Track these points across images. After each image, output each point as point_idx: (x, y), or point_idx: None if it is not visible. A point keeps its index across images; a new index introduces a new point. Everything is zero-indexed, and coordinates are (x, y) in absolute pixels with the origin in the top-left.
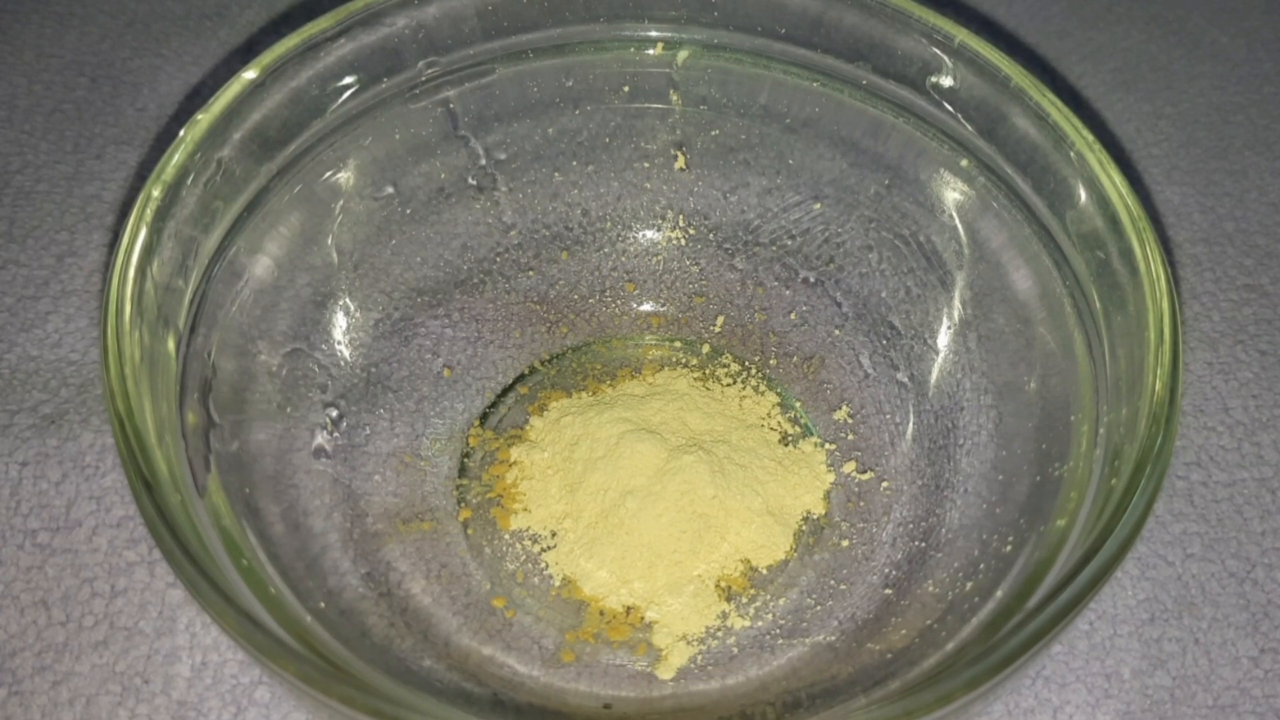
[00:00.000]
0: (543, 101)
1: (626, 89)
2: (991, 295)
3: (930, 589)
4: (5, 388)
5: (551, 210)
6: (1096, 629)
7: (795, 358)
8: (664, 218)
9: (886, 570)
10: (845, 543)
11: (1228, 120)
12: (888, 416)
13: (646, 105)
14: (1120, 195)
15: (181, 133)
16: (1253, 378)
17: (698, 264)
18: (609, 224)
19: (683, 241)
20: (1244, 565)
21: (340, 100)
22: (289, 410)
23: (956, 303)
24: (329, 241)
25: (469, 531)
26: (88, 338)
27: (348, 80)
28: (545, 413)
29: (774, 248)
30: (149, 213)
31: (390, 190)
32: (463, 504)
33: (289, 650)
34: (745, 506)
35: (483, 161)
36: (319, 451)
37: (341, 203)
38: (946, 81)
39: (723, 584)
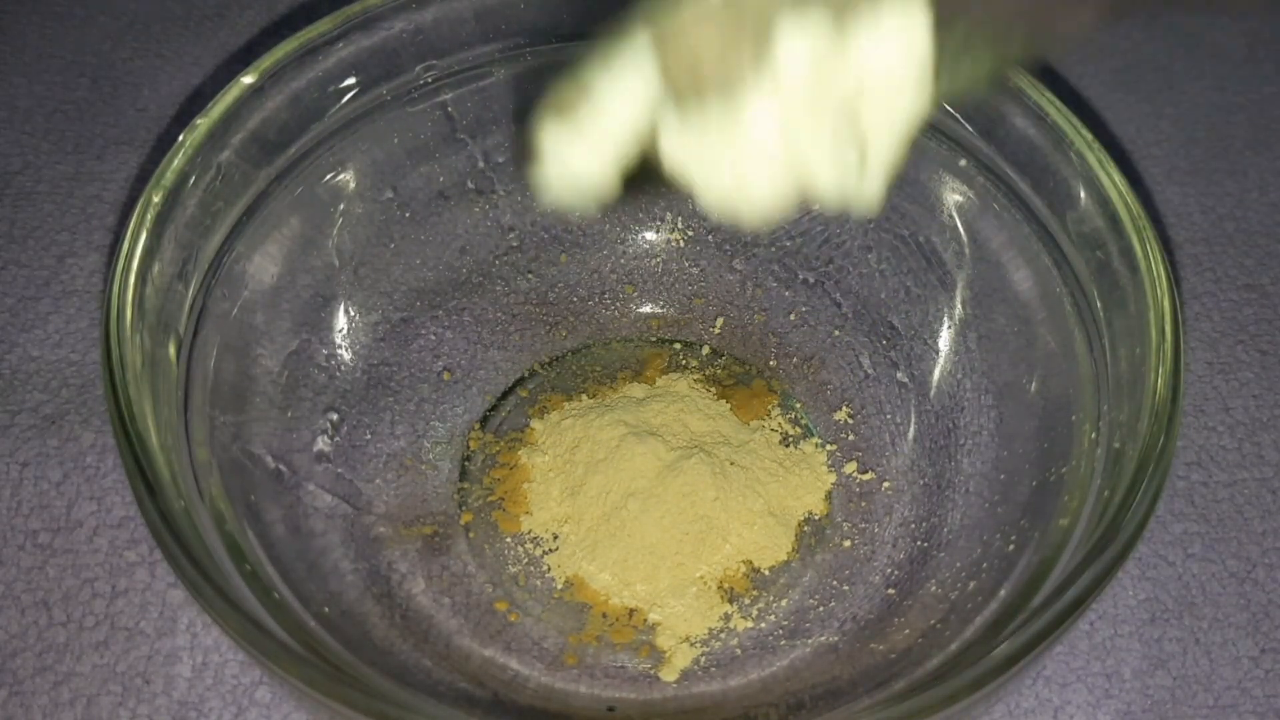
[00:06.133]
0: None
1: None
2: (991, 295)
3: (933, 589)
4: (6, 388)
5: (550, 212)
6: (1097, 629)
7: (795, 358)
8: (663, 219)
9: (889, 570)
10: (847, 543)
11: (1228, 120)
12: (888, 417)
13: None
14: (1120, 195)
15: (181, 137)
16: (1253, 378)
17: (697, 265)
18: (608, 226)
19: (682, 243)
20: (1244, 565)
21: (339, 104)
22: (290, 413)
23: (957, 303)
24: (329, 244)
25: (470, 534)
26: (88, 338)
27: (346, 83)
28: (546, 415)
29: (773, 249)
30: (149, 217)
31: (389, 193)
32: (464, 507)
33: (292, 653)
34: (747, 508)
35: (481, 164)
36: (320, 455)
37: (341, 206)
38: None
39: (725, 585)
